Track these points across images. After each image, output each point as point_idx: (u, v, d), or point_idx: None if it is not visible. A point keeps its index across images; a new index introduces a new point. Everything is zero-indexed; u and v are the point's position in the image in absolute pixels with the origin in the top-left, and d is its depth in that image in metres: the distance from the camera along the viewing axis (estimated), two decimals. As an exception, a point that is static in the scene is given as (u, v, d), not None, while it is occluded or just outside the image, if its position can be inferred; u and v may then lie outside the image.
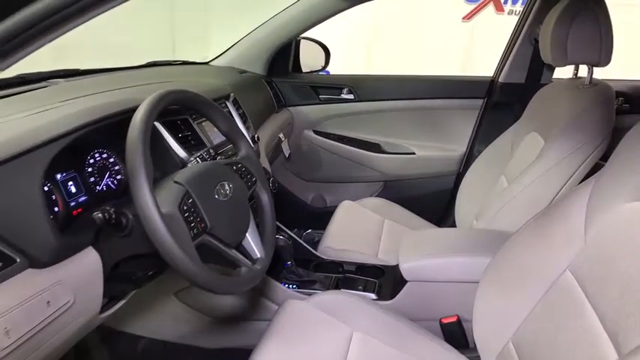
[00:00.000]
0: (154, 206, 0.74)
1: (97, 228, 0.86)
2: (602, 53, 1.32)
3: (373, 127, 2.11)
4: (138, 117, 0.80)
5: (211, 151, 1.16)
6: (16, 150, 0.77)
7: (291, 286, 1.36)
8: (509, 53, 1.92)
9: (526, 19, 1.84)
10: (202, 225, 0.84)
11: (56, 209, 0.87)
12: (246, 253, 0.96)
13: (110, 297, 1.00)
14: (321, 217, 1.86)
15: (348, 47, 4.12)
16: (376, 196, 2.05)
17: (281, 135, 1.90)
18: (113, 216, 0.80)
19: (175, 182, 0.86)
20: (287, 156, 1.95)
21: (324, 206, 2.24)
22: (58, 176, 0.90)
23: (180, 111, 1.19)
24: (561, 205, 0.98)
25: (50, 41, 0.59)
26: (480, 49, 4.42)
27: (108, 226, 0.84)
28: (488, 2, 4.53)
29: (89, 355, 1.41)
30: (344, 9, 1.84)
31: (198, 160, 1.09)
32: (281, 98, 2.07)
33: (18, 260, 0.74)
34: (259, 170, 1.08)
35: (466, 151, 2.04)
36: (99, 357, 1.43)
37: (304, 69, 2.18)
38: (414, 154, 2.07)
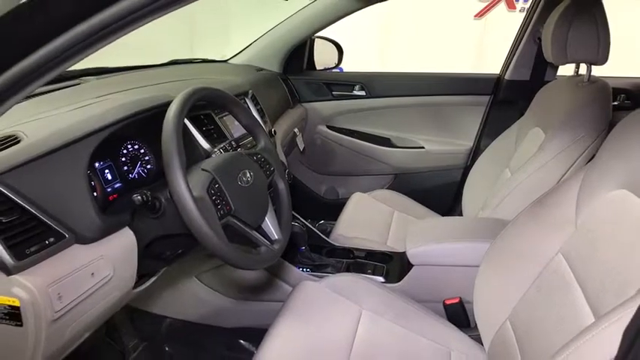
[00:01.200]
0: (187, 190, 0.84)
1: (133, 210, 0.97)
2: (600, 52, 1.38)
3: (384, 122, 2.19)
4: (171, 112, 0.90)
5: (233, 143, 1.26)
6: (64, 141, 0.88)
7: (305, 269, 1.46)
8: (515, 51, 1.98)
9: (531, 19, 1.91)
10: (227, 207, 0.94)
11: (95, 194, 0.97)
12: (265, 235, 1.06)
13: (141, 275, 1.11)
14: (333, 209, 1.95)
15: (361, 46, 4.18)
16: (386, 189, 2.13)
17: (296, 130, 2.00)
18: (150, 198, 0.91)
19: (203, 170, 0.96)
20: (301, 150, 2.04)
21: (336, 198, 2.33)
22: (97, 165, 1.01)
23: (204, 106, 1.29)
24: (555, 194, 1.06)
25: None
26: (492, 46, 4.44)
27: (144, 208, 0.94)
28: (500, 0, 4.56)
29: (118, 333, 1.52)
30: (358, 9, 1.92)
31: (221, 151, 1.19)
32: (296, 95, 2.17)
33: (67, 236, 0.84)
34: (277, 161, 1.18)
35: (473, 146, 2.11)
36: (127, 335, 1.54)
37: (318, 67, 2.27)
38: (423, 148, 2.15)
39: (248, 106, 1.55)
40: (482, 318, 1.14)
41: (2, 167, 0.79)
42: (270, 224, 1.07)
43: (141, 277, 1.12)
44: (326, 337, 1.13)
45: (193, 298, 1.52)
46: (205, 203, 0.89)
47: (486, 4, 4.63)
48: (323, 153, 2.26)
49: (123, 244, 0.96)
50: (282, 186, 1.16)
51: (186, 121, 1.20)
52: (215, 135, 1.28)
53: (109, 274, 0.91)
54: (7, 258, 0.75)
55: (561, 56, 1.44)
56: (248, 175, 1.03)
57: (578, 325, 0.81)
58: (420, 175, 2.19)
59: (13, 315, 0.77)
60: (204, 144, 1.20)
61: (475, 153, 2.09)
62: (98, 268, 0.89)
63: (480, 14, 4.69)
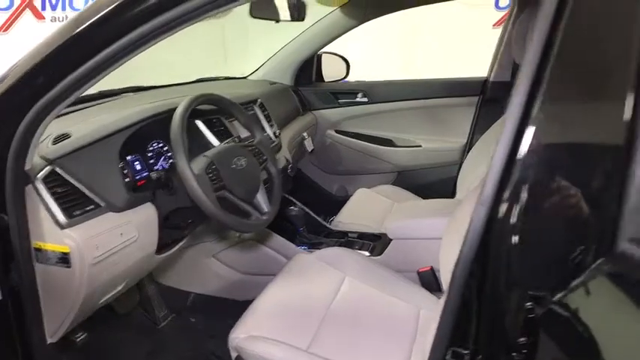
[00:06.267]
0: (189, 169, 1.12)
1: (154, 190, 1.26)
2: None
3: (385, 124, 2.41)
4: (178, 112, 1.19)
5: (236, 139, 1.53)
6: (99, 136, 1.18)
7: (302, 247, 1.70)
8: (497, 56, 2.18)
9: (507, 26, 2.11)
10: (222, 183, 1.21)
11: (127, 179, 1.26)
12: (257, 207, 1.33)
13: (165, 244, 1.39)
14: (344, 205, 2.17)
15: (385, 56, 4.41)
16: (391, 185, 2.34)
17: (304, 134, 2.26)
18: (162, 176, 1.19)
19: (204, 155, 1.24)
20: (309, 151, 2.29)
21: (346, 195, 2.54)
22: (128, 157, 1.30)
23: (215, 112, 1.58)
24: None
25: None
26: (510, 53, 4.55)
27: (161, 186, 1.23)
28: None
29: (151, 305, 1.81)
30: (353, 27, 2.18)
31: (226, 145, 1.47)
32: (306, 103, 2.44)
33: (102, 205, 1.14)
34: (270, 152, 1.45)
35: (467, 143, 2.29)
36: (158, 307, 1.82)
37: (328, 79, 2.53)
38: (420, 146, 2.36)
39: (255, 112, 1.84)
40: (446, 280, 1.33)
41: (57, 154, 1.10)
42: (261, 199, 1.34)
43: (165, 246, 1.40)
44: (309, 296, 1.35)
45: (212, 275, 1.80)
46: (203, 179, 1.16)
47: (504, 13, 4.78)
48: (333, 155, 2.51)
49: (146, 214, 1.24)
50: (273, 171, 1.43)
51: (201, 125, 1.50)
52: (224, 135, 1.57)
53: (135, 236, 1.20)
54: (62, 216, 1.05)
55: (523, 55, 1.63)
56: (242, 161, 1.30)
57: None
58: (420, 171, 2.39)
59: (64, 259, 1.06)
60: (214, 141, 1.49)
61: (469, 149, 2.27)
62: (126, 230, 1.18)
63: (499, 23, 4.84)
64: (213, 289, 1.81)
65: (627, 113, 0.60)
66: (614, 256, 0.58)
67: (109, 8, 0.86)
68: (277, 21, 1.49)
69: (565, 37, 0.64)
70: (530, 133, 0.64)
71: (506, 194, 0.65)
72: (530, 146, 0.64)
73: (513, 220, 0.64)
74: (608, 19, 0.64)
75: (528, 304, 0.63)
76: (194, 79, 2.28)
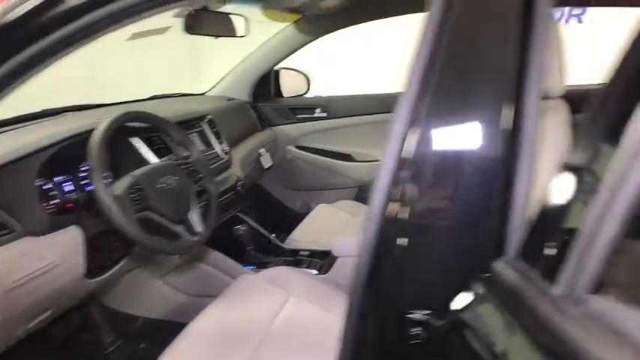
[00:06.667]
0: (104, 189, 1.08)
1: (79, 211, 1.21)
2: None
3: (344, 139, 2.38)
4: (97, 131, 1.15)
5: (173, 157, 1.49)
6: (10, 159, 1.12)
7: (251, 267, 1.66)
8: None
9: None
10: (146, 203, 1.17)
11: (55, 201, 1.21)
12: (189, 228, 1.28)
13: (98, 267, 1.33)
14: (301, 222, 2.13)
15: (356, 69, 4.41)
16: (353, 200, 2.31)
17: (262, 150, 2.23)
18: (83, 198, 1.15)
19: (130, 175, 1.20)
20: (265, 167, 2.25)
21: (309, 211, 2.51)
22: (57, 178, 1.25)
23: (155, 129, 1.53)
24: None
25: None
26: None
27: (84, 208, 1.19)
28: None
29: (100, 330, 1.75)
30: (309, 42, 2.17)
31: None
32: (264, 119, 2.41)
33: (17, 230, 1.08)
34: (207, 170, 1.41)
35: None
36: (106, 333, 1.76)
37: (288, 94, 2.50)
38: (378, 161, 2.33)
39: (203, 129, 1.79)
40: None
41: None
42: (194, 219, 1.29)
43: (99, 270, 1.35)
44: (248, 318, 1.29)
45: (161, 297, 1.74)
46: (123, 200, 1.12)
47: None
48: (294, 171, 2.47)
49: (69, 237, 1.19)
50: (210, 189, 1.39)
51: (137, 141, 1.45)
52: (165, 152, 1.52)
53: (54, 261, 1.14)
54: None
55: None
56: (172, 179, 1.26)
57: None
58: (380, 186, 2.35)
59: (-26, 288, 1.01)
60: (152, 159, 1.44)
61: (427, 162, 2.24)
62: (44, 256, 1.12)
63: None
64: (162, 312, 1.75)
65: (507, 126, 0.58)
66: (492, 276, 0.55)
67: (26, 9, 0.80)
68: (216, 37, 1.46)
69: (449, 47, 0.62)
70: (414, 146, 0.61)
71: (393, 209, 0.62)
72: (414, 161, 0.61)
73: (399, 237, 0.61)
74: (488, 30, 0.62)
75: (415, 329, 0.60)
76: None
